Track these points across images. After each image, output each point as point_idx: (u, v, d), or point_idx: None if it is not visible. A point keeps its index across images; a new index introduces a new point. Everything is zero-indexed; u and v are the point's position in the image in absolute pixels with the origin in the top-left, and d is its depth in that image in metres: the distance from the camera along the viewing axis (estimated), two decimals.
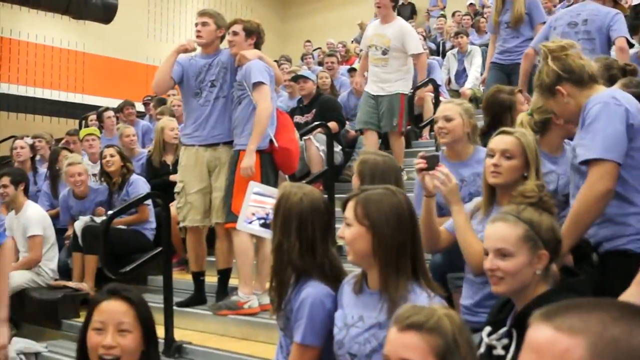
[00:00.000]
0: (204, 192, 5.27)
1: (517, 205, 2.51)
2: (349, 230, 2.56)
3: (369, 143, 6.76)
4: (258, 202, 4.12)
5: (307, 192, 2.98)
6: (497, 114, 4.28)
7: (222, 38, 5.42)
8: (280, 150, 5.03)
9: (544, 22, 6.19)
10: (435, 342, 1.79)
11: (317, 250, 2.84)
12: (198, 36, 5.31)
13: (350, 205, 2.58)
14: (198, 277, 5.45)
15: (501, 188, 3.13)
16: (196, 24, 5.34)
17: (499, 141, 3.13)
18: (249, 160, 4.91)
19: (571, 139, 3.48)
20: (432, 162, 3.15)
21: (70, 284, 6.16)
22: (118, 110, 9.98)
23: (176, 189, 5.42)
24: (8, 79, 15.65)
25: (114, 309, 2.42)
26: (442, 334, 1.80)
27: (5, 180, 6.26)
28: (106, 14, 13.69)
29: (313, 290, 2.79)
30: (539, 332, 1.06)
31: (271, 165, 5.11)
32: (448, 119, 3.83)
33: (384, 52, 6.65)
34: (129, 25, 16.95)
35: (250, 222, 4.13)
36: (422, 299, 2.40)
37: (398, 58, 6.67)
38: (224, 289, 5.33)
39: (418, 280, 2.50)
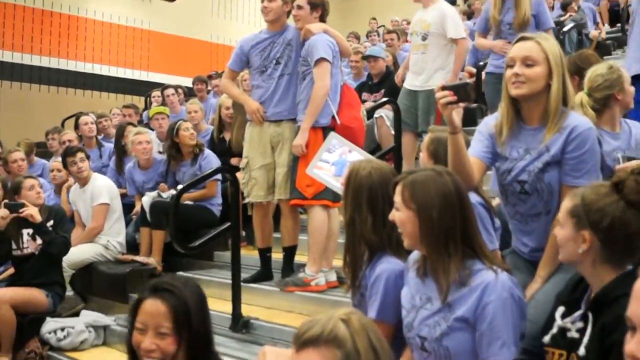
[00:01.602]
0: (267, 168, 5.22)
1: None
2: (397, 215, 2.50)
3: (405, 145, 6.29)
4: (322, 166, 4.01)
5: (376, 166, 2.95)
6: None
7: (289, 13, 5.34)
8: (342, 128, 4.91)
9: (552, 28, 5.88)
10: (333, 355, 1.61)
11: (389, 223, 2.74)
12: (265, 13, 5.23)
13: (398, 189, 2.50)
14: (265, 253, 5.42)
15: (525, 100, 2.86)
16: (262, 0, 5.26)
17: (520, 48, 2.86)
18: (300, 139, 4.87)
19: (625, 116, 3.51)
20: (463, 94, 2.69)
21: (138, 258, 6.20)
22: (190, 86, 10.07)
23: (241, 165, 5.40)
24: (75, 56, 15.92)
25: (153, 311, 2.33)
26: (340, 344, 1.62)
27: (82, 154, 6.32)
28: None
29: (388, 266, 2.76)
30: None
31: None
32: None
33: (424, 38, 6.05)
34: (194, 3, 17.07)
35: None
36: (489, 277, 2.35)
37: (437, 45, 5.98)
38: (289, 266, 5.30)
39: (479, 258, 2.42)
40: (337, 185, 3.70)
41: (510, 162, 2.90)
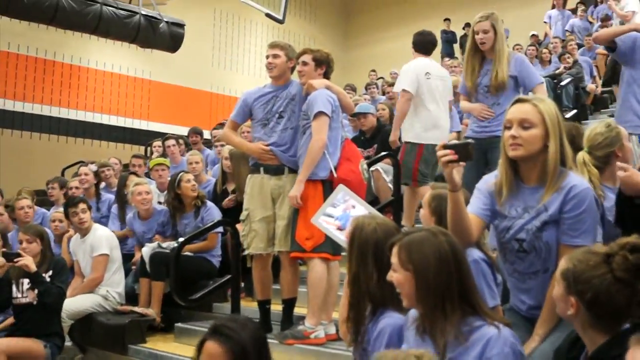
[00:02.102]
0: (268, 221, 5.23)
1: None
2: (395, 276, 2.53)
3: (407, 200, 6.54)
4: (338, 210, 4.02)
5: (381, 222, 2.99)
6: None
7: (293, 69, 5.42)
8: (339, 181, 4.94)
9: (542, 82, 5.58)
10: None
11: None
12: (269, 68, 5.32)
13: (395, 250, 2.54)
14: (264, 305, 5.41)
15: (523, 161, 2.89)
16: (267, 56, 5.35)
17: (516, 110, 2.88)
18: (296, 190, 4.91)
19: None
20: (464, 153, 2.73)
21: (137, 309, 6.19)
22: (187, 136, 10.14)
23: (241, 217, 5.42)
24: (76, 105, 16.09)
25: (212, 353, 2.45)
26: None
27: (83, 205, 6.37)
28: (173, 43, 13.92)
29: (391, 321, 2.79)
30: None
31: None
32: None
33: None
34: (194, 54, 17.28)
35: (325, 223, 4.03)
36: (491, 332, 2.37)
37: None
38: (289, 319, 5.28)
39: (478, 315, 2.44)
40: (342, 238, 3.72)
41: (509, 220, 2.94)
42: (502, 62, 5.30)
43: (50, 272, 5.54)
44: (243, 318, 2.62)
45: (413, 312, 2.63)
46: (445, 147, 2.74)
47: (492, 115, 5.36)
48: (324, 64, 5.27)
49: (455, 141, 2.86)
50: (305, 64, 5.24)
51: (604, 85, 11.51)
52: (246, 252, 5.37)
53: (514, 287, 3.08)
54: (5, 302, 5.62)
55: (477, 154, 4.71)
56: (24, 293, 5.47)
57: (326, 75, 5.30)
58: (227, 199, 7.00)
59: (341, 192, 3.95)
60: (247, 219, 5.29)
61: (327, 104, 5.01)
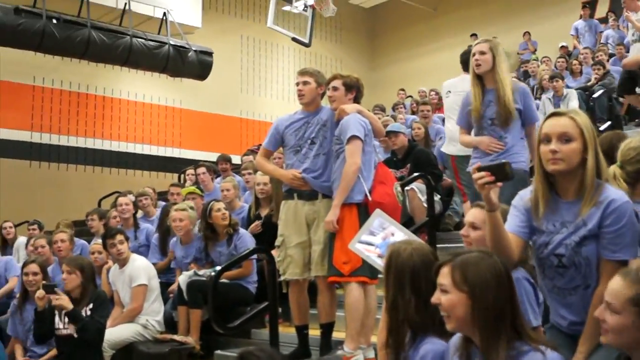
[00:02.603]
0: (303, 246, 5.24)
1: None
2: (446, 297, 2.48)
3: None
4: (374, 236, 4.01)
5: (417, 247, 2.99)
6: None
7: (323, 95, 5.46)
8: (374, 204, 4.96)
9: (538, 121, 5.08)
10: None
11: (432, 306, 2.80)
12: (300, 95, 5.37)
13: (446, 271, 2.50)
14: (302, 330, 5.42)
15: (562, 175, 2.86)
16: (297, 84, 5.39)
17: (554, 124, 2.83)
18: (332, 215, 4.91)
19: None
20: (501, 173, 2.68)
21: (176, 337, 6.23)
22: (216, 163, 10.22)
23: (276, 243, 5.43)
24: (110, 135, 16.33)
25: None
26: None
27: (121, 237, 6.46)
28: (202, 71, 14.12)
29: (432, 347, 2.78)
30: None
31: (367, 218, 5.08)
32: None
33: None
34: (223, 80, 17.46)
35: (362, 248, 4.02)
36: (537, 358, 2.34)
37: None
38: (327, 343, 5.28)
39: (522, 339, 2.41)
40: (380, 263, 3.71)
41: (547, 236, 2.92)
42: (507, 91, 4.94)
43: (91, 305, 5.62)
44: (268, 351, 2.62)
45: (455, 340, 2.62)
46: (480, 169, 2.71)
47: (503, 148, 5.01)
48: (354, 89, 5.30)
49: (490, 162, 2.85)
50: (335, 89, 5.27)
51: (618, 96, 11.34)
52: (282, 278, 5.40)
53: (555, 303, 3.05)
54: (48, 332, 5.73)
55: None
56: (65, 324, 5.57)
57: (356, 100, 5.32)
58: (253, 224, 7.05)
59: (378, 217, 3.94)
60: (283, 244, 5.30)
61: (360, 128, 5.03)
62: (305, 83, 5.33)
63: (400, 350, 2.88)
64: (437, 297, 2.52)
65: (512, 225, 2.98)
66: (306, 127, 5.31)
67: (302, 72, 5.41)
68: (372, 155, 5.21)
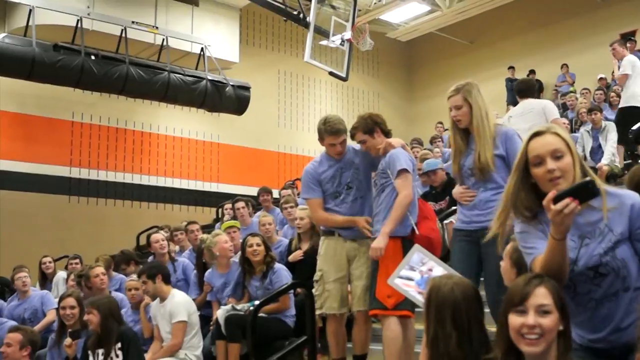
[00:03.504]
0: (341, 281, 5.29)
1: None
2: (550, 319, 2.50)
3: None
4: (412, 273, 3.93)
5: (457, 281, 2.94)
6: None
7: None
8: (422, 238, 4.91)
9: None
10: None
11: (474, 339, 2.77)
12: (340, 153, 5.37)
13: (544, 292, 2.51)
14: None
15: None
16: (333, 145, 5.35)
17: (544, 144, 2.77)
18: (381, 242, 4.86)
19: None
20: (585, 193, 2.53)
21: None
22: (255, 197, 10.23)
23: (315, 277, 5.44)
24: (148, 170, 16.47)
25: None
26: None
27: (143, 277, 6.46)
28: (239, 106, 14.20)
29: None
30: None
31: None
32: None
33: None
34: (261, 114, 17.58)
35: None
36: None
37: None
38: None
39: None
40: (419, 298, 3.65)
41: (571, 252, 2.78)
42: (484, 140, 4.40)
43: (119, 345, 5.54)
44: None
45: None
46: (558, 197, 2.54)
47: (472, 199, 4.48)
48: (375, 127, 5.26)
49: (566, 187, 2.70)
50: (363, 142, 5.29)
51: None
52: (318, 312, 5.38)
53: (586, 320, 2.88)
54: None
55: (469, 247, 4.43)
56: None
57: (386, 135, 5.29)
58: (295, 252, 7.02)
59: (416, 252, 3.86)
60: (321, 279, 5.33)
61: (409, 162, 5.08)
62: (342, 143, 5.36)
63: None
64: (534, 320, 2.49)
65: (542, 249, 2.80)
66: (341, 174, 5.38)
67: (337, 133, 5.35)
68: (416, 190, 5.23)
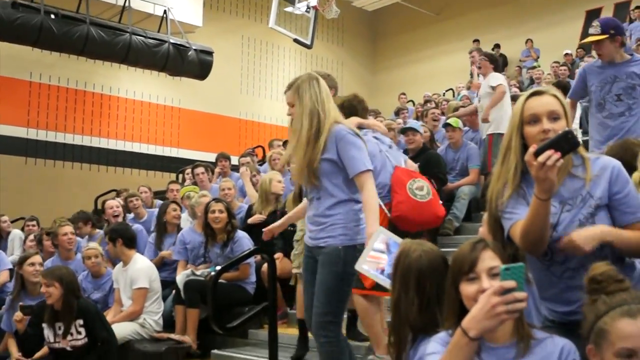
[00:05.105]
0: None
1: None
2: None
3: None
4: (378, 255, 3.85)
5: (427, 249, 2.89)
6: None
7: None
8: (395, 220, 4.95)
9: (368, 171, 3.98)
10: None
11: (434, 308, 2.75)
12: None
13: (491, 254, 2.50)
14: (304, 324, 5.35)
15: None
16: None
17: (542, 103, 2.72)
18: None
19: None
20: (566, 144, 2.46)
21: (173, 336, 6.17)
22: (214, 163, 10.16)
23: (296, 237, 5.51)
24: (107, 133, 16.23)
25: None
26: None
27: (106, 238, 6.40)
28: (202, 71, 14.04)
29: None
30: None
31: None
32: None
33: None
34: (223, 80, 17.41)
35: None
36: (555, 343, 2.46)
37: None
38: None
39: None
40: (387, 281, 3.51)
41: (553, 217, 2.70)
42: (301, 143, 3.91)
43: (81, 321, 5.39)
44: None
45: (444, 336, 2.51)
46: (538, 151, 2.47)
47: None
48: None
49: (546, 140, 2.65)
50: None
51: None
52: (295, 271, 5.45)
53: (559, 292, 2.84)
54: (37, 348, 5.64)
55: (312, 265, 3.98)
56: (57, 338, 5.42)
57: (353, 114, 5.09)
58: (255, 216, 6.94)
59: (381, 234, 3.75)
60: (302, 239, 5.23)
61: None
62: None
63: (402, 350, 2.82)
64: (489, 284, 2.38)
65: (523, 214, 2.73)
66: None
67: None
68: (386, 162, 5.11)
